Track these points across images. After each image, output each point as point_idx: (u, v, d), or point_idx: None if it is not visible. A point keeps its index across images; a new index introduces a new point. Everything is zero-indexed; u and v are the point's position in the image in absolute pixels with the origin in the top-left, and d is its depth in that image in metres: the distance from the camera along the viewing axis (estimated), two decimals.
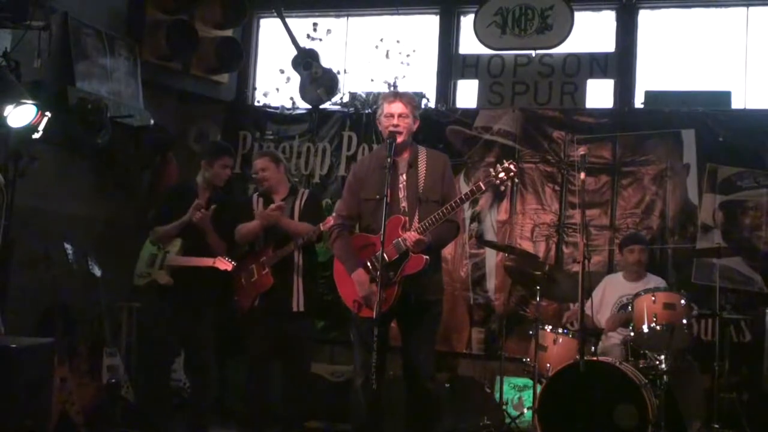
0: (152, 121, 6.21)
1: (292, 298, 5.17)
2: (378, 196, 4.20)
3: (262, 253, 5.23)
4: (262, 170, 5.29)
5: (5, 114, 4.54)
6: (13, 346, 3.70)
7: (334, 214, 4.66)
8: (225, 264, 5.08)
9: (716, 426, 5.15)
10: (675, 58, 6.50)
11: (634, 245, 5.64)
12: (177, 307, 5.17)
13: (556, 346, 5.33)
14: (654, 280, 5.60)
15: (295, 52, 6.82)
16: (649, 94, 6.40)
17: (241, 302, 5.26)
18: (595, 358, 5.02)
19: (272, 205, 5.15)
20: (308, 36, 7.10)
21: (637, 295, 5.19)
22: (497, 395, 5.66)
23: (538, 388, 5.07)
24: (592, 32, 6.67)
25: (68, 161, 5.84)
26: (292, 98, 7.07)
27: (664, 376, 4.89)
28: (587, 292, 5.35)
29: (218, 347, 5.57)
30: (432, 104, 6.74)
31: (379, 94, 6.84)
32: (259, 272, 5.20)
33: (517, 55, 6.66)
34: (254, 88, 7.39)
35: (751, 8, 6.38)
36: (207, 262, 5.12)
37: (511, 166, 4.12)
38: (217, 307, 5.38)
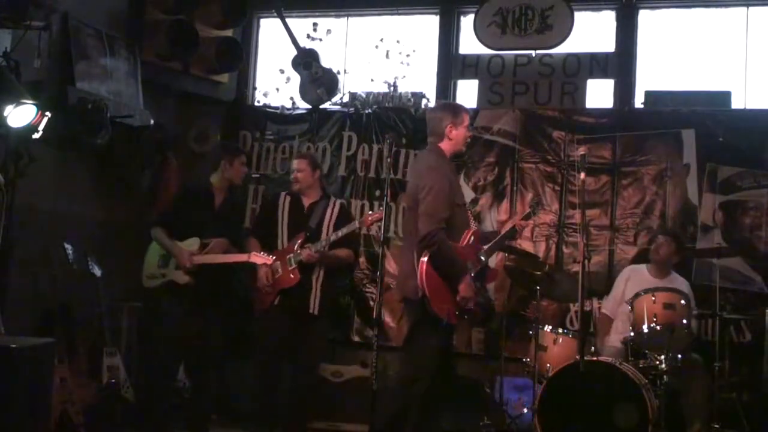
0: (152, 121, 6.20)
1: (310, 299, 5.19)
2: (462, 203, 4.48)
3: (287, 250, 5.23)
4: (298, 171, 5.38)
5: (5, 114, 4.53)
6: (13, 346, 3.69)
7: (435, 213, 4.27)
8: (262, 258, 5.08)
9: (716, 426, 5.15)
10: (675, 58, 6.50)
11: (671, 239, 5.64)
12: (192, 307, 5.17)
13: (556, 346, 5.34)
14: (679, 281, 5.57)
15: (295, 52, 6.82)
16: (649, 94, 6.39)
17: (262, 299, 5.25)
18: (595, 358, 5.03)
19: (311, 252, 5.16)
20: (308, 36, 7.10)
21: (637, 295, 5.19)
22: (497, 395, 5.66)
23: (538, 388, 5.07)
24: (592, 32, 6.67)
25: (68, 161, 5.83)
26: (292, 98, 7.07)
27: (665, 376, 4.89)
28: (590, 293, 5.37)
29: (222, 347, 5.57)
30: (432, 104, 6.74)
31: (379, 94, 6.89)
32: (284, 268, 5.20)
33: (517, 55, 6.66)
34: (254, 88, 7.39)
35: (751, 8, 6.37)
36: (241, 257, 5.14)
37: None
38: (226, 307, 5.38)
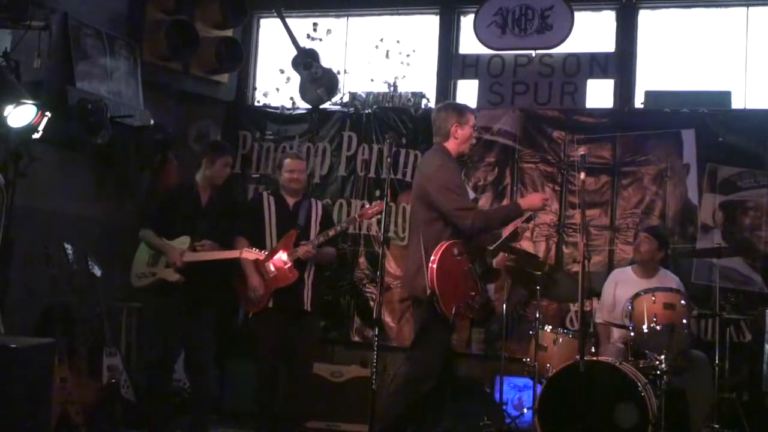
0: (152, 121, 6.21)
1: (304, 296, 5.21)
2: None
3: (278, 250, 5.22)
4: (299, 171, 5.40)
5: (5, 114, 4.54)
6: (13, 346, 3.70)
7: (462, 206, 4.35)
8: (254, 254, 5.05)
9: (716, 426, 5.16)
10: (675, 58, 6.50)
11: (651, 236, 5.62)
12: (183, 305, 5.17)
13: (556, 346, 5.34)
14: (668, 278, 5.57)
15: (295, 52, 6.82)
16: (649, 94, 6.39)
17: (256, 300, 5.23)
18: (595, 358, 5.03)
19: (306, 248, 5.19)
20: (308, 36, 7.11)
21: (636, 295, 5.18)
22: (497, 395, 5.66)
23: (538, 388, 5.07)
24: (592, 32, 6.67)
25: (68, 161, 5.84)
26: (292, 98, 7.07)
27: (665, 376, 4.89)
28: (590, 293, 5.36)
29: (219, 347, 5.56)
30: (432, 104, 6.74)
31: (379, 94, 6.89)
32: (279, 267, 5.20)
33: (517, 55, 6.66)
34: (254, 88, 7.39)
35: (751, 8, 6.38)
36: (233, 254, 5.12)
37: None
38: (220, 306, 5.38)
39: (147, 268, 5.26)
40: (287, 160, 5.46)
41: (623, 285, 5.57)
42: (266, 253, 5.14)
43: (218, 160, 5.31)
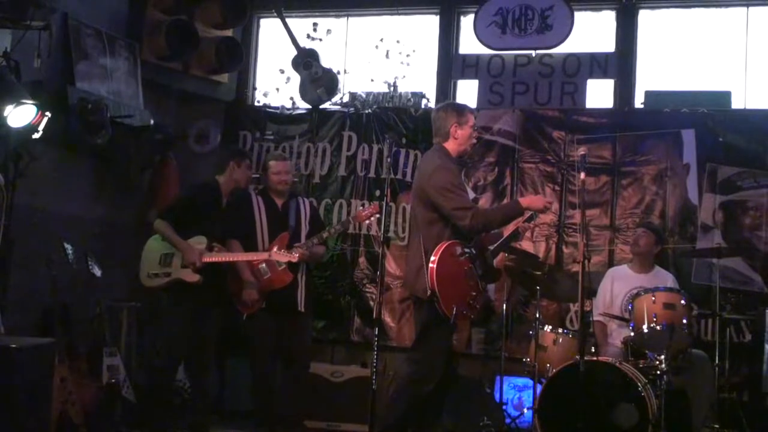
0: (152, 121, 6.21)
1: (297, 297, 5.23)
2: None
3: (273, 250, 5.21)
4: (285, 172, 5.43)
5: (5, 114, 4.54)
6: (13, 346, 3.70)
7: (461, 206, 4.33)
8: (285, 256, 5.01)
9: (716, 426, 5.16)
10: (675, 58, 6.50)
11: (649, 230, 5.67)
12: (198, 306, 5.15)
13: (556, 346, 5.34)
14: (663, 274, 5.61)
15: (295, 52, 6.83)
16: (649, 94, 6.39)
17: (251, 302, 5.22)
18: (595, 358, 5.03)
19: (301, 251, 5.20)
20: (308, 36, 7.11)
21: (637, 295, 5.19)
22: (497, 395, 5.66)
23: (538, 388, 5.07)
24: (592, 32, 6.67)
25: (68, 161, 5.83)
26: (292, 98, 7.07)
27: (665, 376, 4.89)
28: (590, 293, 5.37)
29: (219, 347, 5.57)
30: (432, 104, 6.75)
31: (379, 94, 6.89)
32: (273, 269, 5.21)
33: (517, 55, 6.66)
34: (254, 88, 7.39)
35: (751, 8, 6.38)
36: (262, 256, 5.12)
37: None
38: (226, 308, 5.37)
39: (160, 267, 5.18)
40: (272, 162, 5.49)
41: (620, 281, 5.62)
42: (297, 255, 5.09)
43: (243, 163, 5.37)
